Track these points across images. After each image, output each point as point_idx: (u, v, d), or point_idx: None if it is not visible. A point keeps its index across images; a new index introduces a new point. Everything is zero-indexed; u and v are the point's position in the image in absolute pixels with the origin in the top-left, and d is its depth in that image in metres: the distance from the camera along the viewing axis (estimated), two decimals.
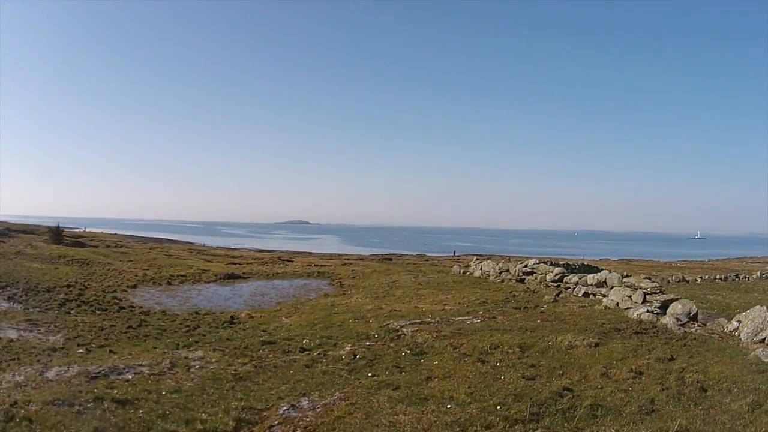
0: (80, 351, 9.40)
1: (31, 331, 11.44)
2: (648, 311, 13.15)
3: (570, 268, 22.35)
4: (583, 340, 9.47)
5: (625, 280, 15.53)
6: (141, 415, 5.10)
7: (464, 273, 25.50)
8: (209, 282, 22.94)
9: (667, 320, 12.61)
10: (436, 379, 6.78)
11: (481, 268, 24.15)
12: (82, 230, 60.18)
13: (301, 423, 5.05)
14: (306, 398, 5.88)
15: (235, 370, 7.19)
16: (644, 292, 14.08)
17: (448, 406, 5.67)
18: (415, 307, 14.26)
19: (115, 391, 5.71)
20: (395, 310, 13.56)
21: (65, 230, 46.54)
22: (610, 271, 16.89)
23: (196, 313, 15.76)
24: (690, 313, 12.56)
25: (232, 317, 14.76)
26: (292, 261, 41.34)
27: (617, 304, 14.33)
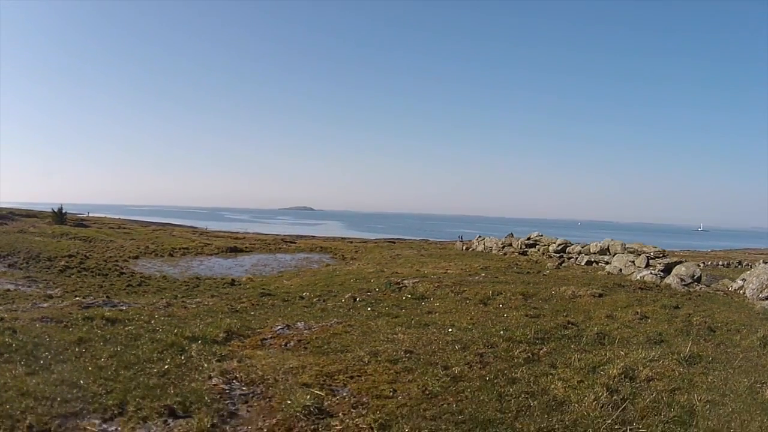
0: (77, 299, 9.28)
1: (29, 286, 11.37)
2: (651, 273, 12.92)
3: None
4: (587, 290, 9.24)
5: (628, 245, 15.34)
6: (130, 329, 4.92)
7: (467, 249, 25.29)
8: (211, 255, 22.84)
9: (670, 280, 12.37)
10: (437, 314, 6.59)
11: (483, 243, 23.91)
12: (85, 215, 60.28)
13: (295, 337, 4.85)
14: (302, 323, 5.69)
15: (231, 306, 7.02)
16: (647, 257, 13.90)
17: (449, 330, 5.48)
18: (418, 270, 14.08)
19: (107, 313, 5.54)
20: (397, 272, 13.38)
21: (68, 214, 46.56)
22: (612, 239, 16.66)
23: (197, 278, 15.67)
24: (694, 275, 12.33)
25: (232, 280, 14.67)
26: (295, 243, 41.18)
27: (620, 270, 14.12)
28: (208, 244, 25.85)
